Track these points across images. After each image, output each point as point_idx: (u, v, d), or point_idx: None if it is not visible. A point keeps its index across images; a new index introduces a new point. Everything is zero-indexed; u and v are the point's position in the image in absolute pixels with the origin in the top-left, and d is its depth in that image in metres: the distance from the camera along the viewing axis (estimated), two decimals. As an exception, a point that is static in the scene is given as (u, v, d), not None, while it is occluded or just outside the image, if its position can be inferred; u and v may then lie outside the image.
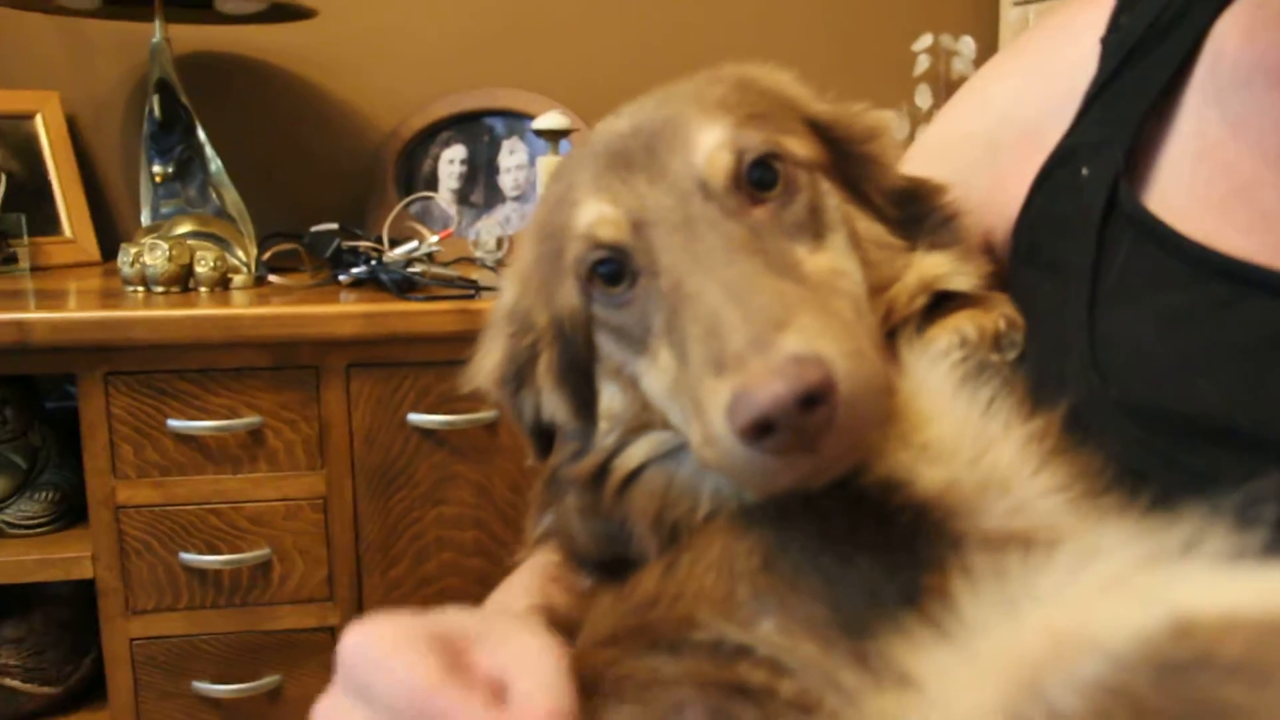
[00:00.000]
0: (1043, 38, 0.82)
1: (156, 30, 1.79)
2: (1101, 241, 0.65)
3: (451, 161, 2.19)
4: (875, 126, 0.65)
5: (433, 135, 2.19)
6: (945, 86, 2.13)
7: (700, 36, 2.31)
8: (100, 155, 2.15)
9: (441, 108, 2.18)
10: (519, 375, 0.64)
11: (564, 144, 1.91)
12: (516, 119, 2.19)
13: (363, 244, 1.80)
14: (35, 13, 1.93)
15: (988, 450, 0.53)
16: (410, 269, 1.71)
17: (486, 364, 0.66)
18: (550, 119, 1.84)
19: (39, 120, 2.02)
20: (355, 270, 1.74)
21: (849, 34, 2.34)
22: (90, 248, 2.04)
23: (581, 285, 0.58)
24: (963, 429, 0.54)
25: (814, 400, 0.44)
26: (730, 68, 0.65)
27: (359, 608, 1.61)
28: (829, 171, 0.61)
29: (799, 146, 0.59)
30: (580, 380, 0.62)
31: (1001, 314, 0.66)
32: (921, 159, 0.85)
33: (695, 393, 0.50)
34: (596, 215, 0.56)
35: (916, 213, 0.64)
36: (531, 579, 0.69)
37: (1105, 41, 0.72)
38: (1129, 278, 0.63)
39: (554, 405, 0.63)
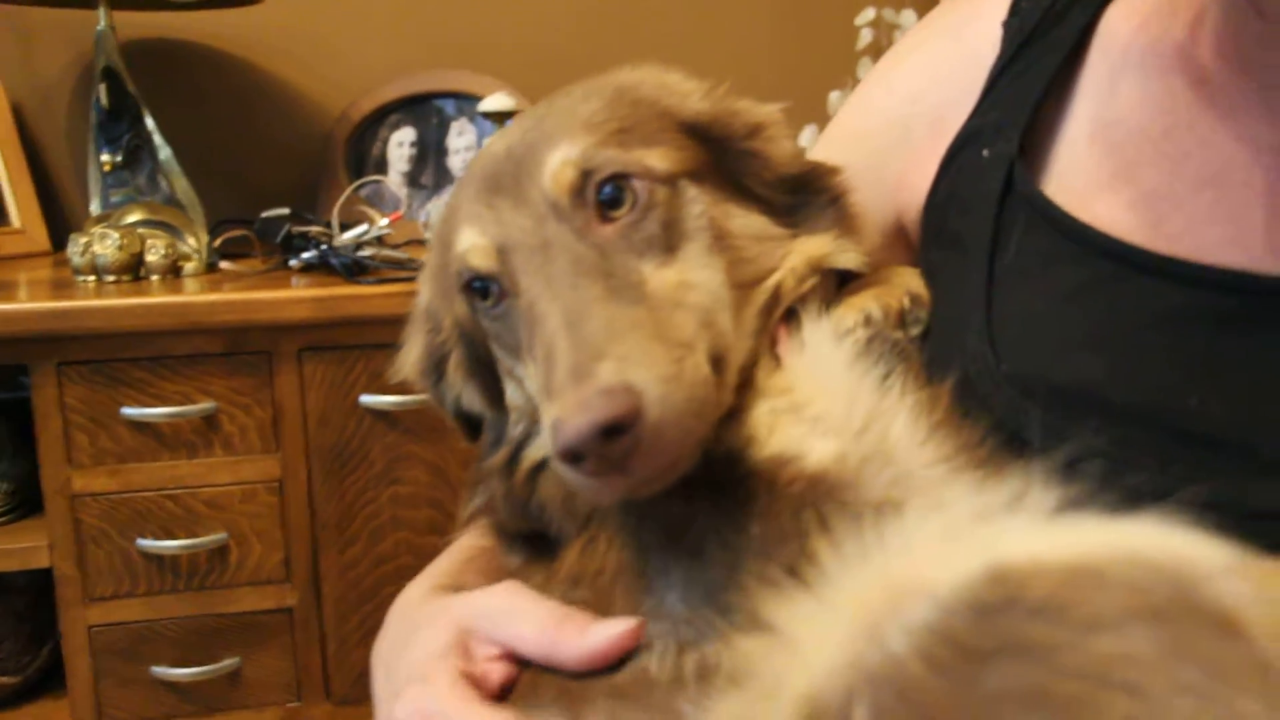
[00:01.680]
0: (950, 19, 0.85)
1: (101, 17, 1.79)
2: (999, 222, 0.68)
3: (401, 144, 2.20)
4: (758, 122, 0.67)
5: (382, 118, 2.19)
6: (889, 61, 2.15)
7: (646, 17, 2.32)
8: (47, 144, 2.14)
9: (390, 90, 2.18)
10: (437, 368, 0.69)
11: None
12: (465, 100, 2.20)
13: (313, 228, 1.81)
14: (-24, 1, 1.92)
15: (875, 423, 0.56)
16: (361, 252, 1.72)
17: (410, 357, 0.71)
18: (497, 100, 1.85)
19: (-16, 110, 2.01)
20: (306, 255, 1.75)
21: (792, 9, 2.36)
22: (40, 238, 2.03)
23: (466, 298, 0.63)
24: (852, 403, 0.57)
25: (617, 430, 0.48)
26: (611, 76, 0.67)
27: (316, 588, 1.63)
28: (704, 174, 0.63)
29: (661, 159, 0.61)
30: (488, 375, 0.66)
31: (906, 292, 0.69)
32: (835, 144, 0.87)
33: (540, 409, 0.55)
34: (469, 244, 0.61)
35: (807, 197, 0.67)
36: (448, 564, 0.73)
37: (1007, 25, 0.75)
38: (1023, 257, 0.67)
39: (469, 397, 0.68)
